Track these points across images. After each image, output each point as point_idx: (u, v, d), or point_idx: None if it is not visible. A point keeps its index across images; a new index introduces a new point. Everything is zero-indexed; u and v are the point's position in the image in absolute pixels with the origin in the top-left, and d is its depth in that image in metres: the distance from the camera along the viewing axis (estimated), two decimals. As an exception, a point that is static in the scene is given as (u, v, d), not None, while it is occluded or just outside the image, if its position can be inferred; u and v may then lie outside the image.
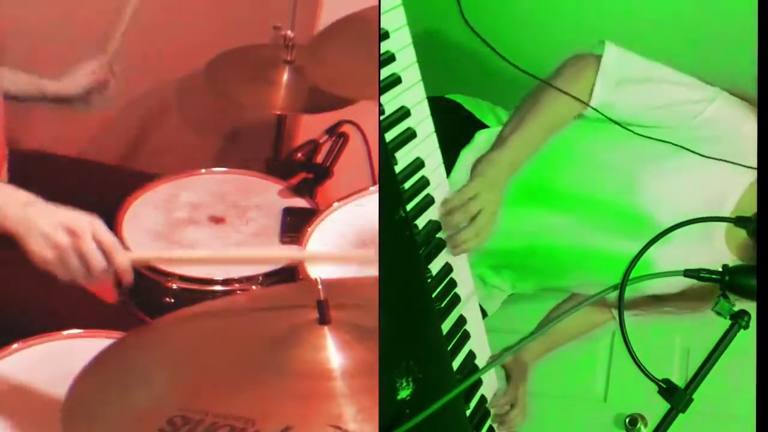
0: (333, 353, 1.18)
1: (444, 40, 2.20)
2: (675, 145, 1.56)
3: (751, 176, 1.56)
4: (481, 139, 1.79)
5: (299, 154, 2.17)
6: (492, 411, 1.74)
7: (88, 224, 1.41)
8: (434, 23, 2.12)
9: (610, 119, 1.59)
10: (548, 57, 1.65)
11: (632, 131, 1.58)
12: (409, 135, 1.47)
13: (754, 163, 1.51)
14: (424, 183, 1.50)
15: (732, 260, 1.61)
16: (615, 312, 1.82)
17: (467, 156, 1.73)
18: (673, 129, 1.58)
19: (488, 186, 1.52)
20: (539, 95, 1.59)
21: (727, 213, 1.57)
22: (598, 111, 1.59)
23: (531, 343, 1.83)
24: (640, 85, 1.60)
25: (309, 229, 1.91)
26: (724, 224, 1.59)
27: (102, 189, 2.08)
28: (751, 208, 1.55)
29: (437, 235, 1.52)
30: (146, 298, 1.86)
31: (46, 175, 2.10)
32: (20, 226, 1.41)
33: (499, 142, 1.57)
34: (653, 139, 1.57)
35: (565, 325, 1.84)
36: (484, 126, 1.80)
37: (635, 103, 1.59)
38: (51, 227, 1.40)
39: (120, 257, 1.42)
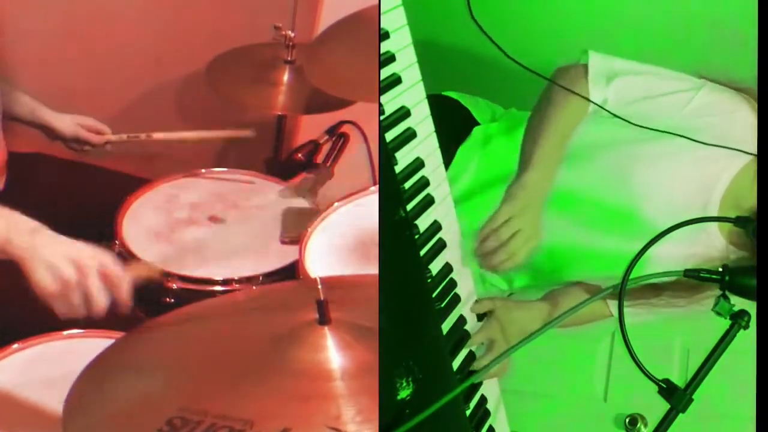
0: (333, 353, 1.18)
1: (445, 40, 2.21)
2: (671, 134, 1.57)
3: (743, 159, 1.56)
4: (479, 136, 1.79)
5: (299, 154, 2.17)
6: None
7: (94, 259, 1.38)
8: (436, 23, 2.12)
9: (613, 113, 1.59)
10: (551, 55, 1.66)
11: (630, 122, 1.58)
12: (409, 135, 1.46)
13: (746, 146, 1.52)
14: (424, 183, 1.50)
15: (725, 246, 1.61)
16: (612, 307, 1.82)
17: (464, 152, 1.73)
18: (666, 120, 1.58)
19: (520, 209, 1.51)
20: (544, 109, 1.60)
21: (718, 195, 1.57)
22: (602, 107, 1.59)
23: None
24: (629, 78, 1.61)
25: (309, 229, 1.91)
26: (716, 211, 1.59)
27: (102, 190, 2.08)
28: (742, 191, 1.56)
29: (437, 236, 1.52)
30: (146, 298, 1.85)
31: (47, 177, 2.11)
32: (25, 253, 1.37)
33: (523, 164, 1.57)
34: (649, 129, 1.58)
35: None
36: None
37: (627, 97, 1.60)
38: (57, 258, 1.37)
39: (124, 294, 1.40)
